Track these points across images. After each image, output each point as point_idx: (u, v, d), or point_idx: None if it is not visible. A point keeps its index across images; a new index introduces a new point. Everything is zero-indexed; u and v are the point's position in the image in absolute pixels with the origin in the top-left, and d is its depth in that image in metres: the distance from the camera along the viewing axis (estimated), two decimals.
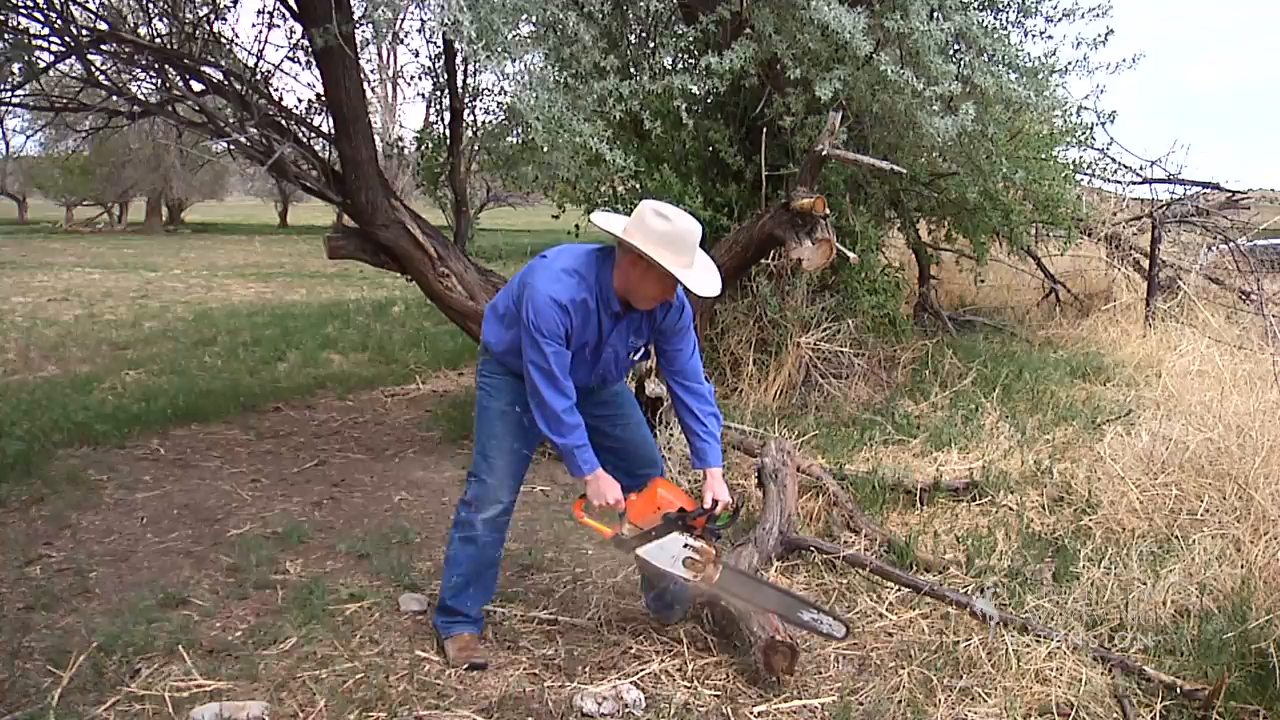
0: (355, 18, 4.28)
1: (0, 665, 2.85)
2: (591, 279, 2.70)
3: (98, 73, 4.74)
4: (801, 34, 4.88)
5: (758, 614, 2.90)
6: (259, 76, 4.93)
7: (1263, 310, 7.87)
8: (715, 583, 2.83)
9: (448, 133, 5.52)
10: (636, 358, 2.94)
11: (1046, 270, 9.82)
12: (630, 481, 3.00)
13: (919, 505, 4.27)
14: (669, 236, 2.58)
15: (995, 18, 5.87)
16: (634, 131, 6.27)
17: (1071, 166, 7.71)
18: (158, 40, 4.82)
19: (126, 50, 4.70)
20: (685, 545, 2.79)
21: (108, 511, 4.28)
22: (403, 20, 5.43)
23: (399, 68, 20.85)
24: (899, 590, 3.40)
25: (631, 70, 5.85)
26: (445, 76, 5.37)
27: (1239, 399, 4.99)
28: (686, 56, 6.32)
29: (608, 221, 2.71)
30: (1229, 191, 9.46)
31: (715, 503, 2.81)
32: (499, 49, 3.66)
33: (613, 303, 2.73)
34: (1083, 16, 5.82)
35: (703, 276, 2.68)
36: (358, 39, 4.67)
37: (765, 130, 5.78)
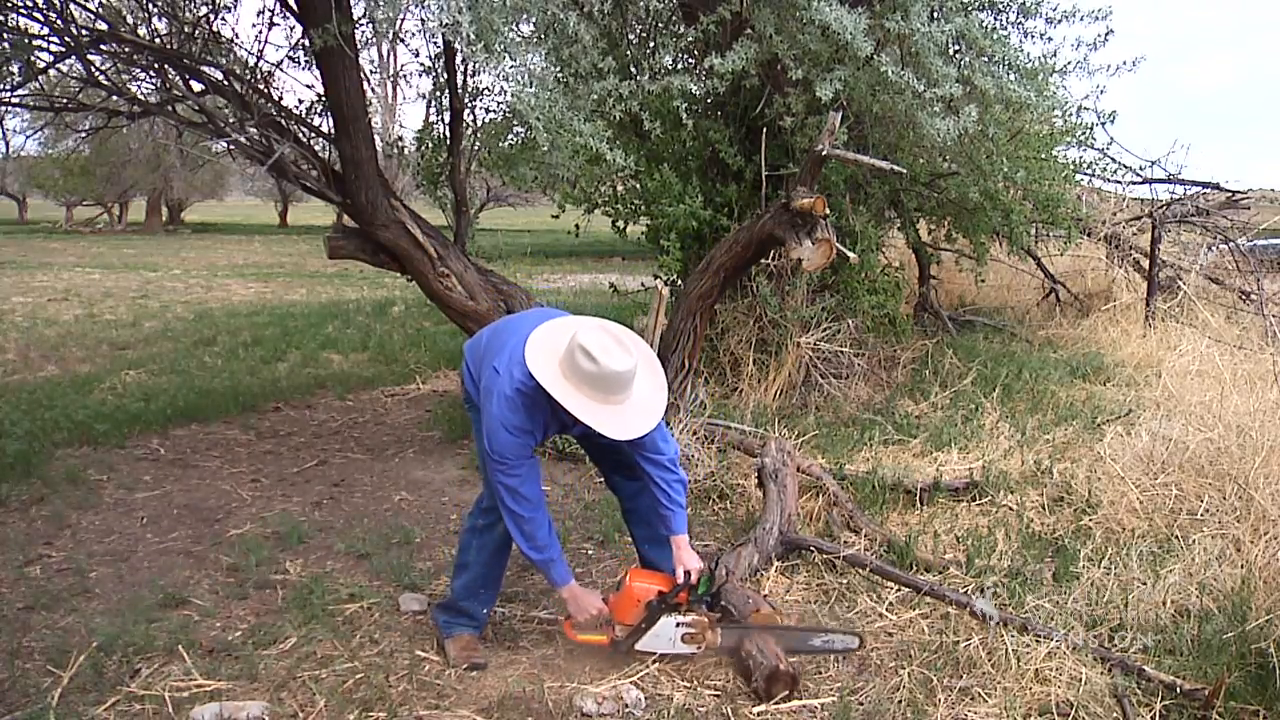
0: (355, 18, 4.28)
1: (0, 665, 2.85)
2: (542, 399, 2.61)
3: (98, 73, 4.74)
4: (802, 34, 4.88)
5: (760, 641, 2.90)
6: (259, 76, 4.93)
7: (1263, 310, 7.88)
8: (720, 647, 2.87)
9: (448, 133, 5.52)
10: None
11: (1046, 270, 9.83)
12: (638, 497, 3.02)
13: (919, 505, 4.27)
14: (594, 378, 2.51)
15: (995, 19, 5.87)
16: (634, 131, 6.27)
17: (1071, 166, 7.71)
18: (157, 40, 4.82)
19: (126, 50, 4.69)
20: (677, 625, 2.84)
21: (108, 511, 4.28)
22: (403, 20, 5.43)
23: (399, 68, 20.81)
24: (899, 590, 3.40)
25: (631, 70, 5.85)
26: (445, 76, 5.37)
27: (1239, 399, 4.99)
28: (686, 56, 6.33)
29: (534, 358, 2.57)
30: (1229, 191, 9.46)
31: (688, 573, 2.82)
32: (499, 49, 3.66)
33: (562, 415, 2.65)
34: (1082, 18, 5.82)
35: (620, 418, 2.55)
36: (358, 39, 4.67)
37: (765, 130, 5.78)
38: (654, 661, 2.90)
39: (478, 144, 6.39)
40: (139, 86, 5.23)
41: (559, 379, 2.54)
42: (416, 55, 8.10)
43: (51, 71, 5.01)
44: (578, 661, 2.96)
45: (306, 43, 4.64)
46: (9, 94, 4.74)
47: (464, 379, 2.98)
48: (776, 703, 2.72)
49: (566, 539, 4.02)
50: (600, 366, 2.50)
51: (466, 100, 5.64)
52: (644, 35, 6.70)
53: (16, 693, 2.71)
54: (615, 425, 2.54)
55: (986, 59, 5.04)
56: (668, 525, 2.87)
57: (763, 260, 5.94)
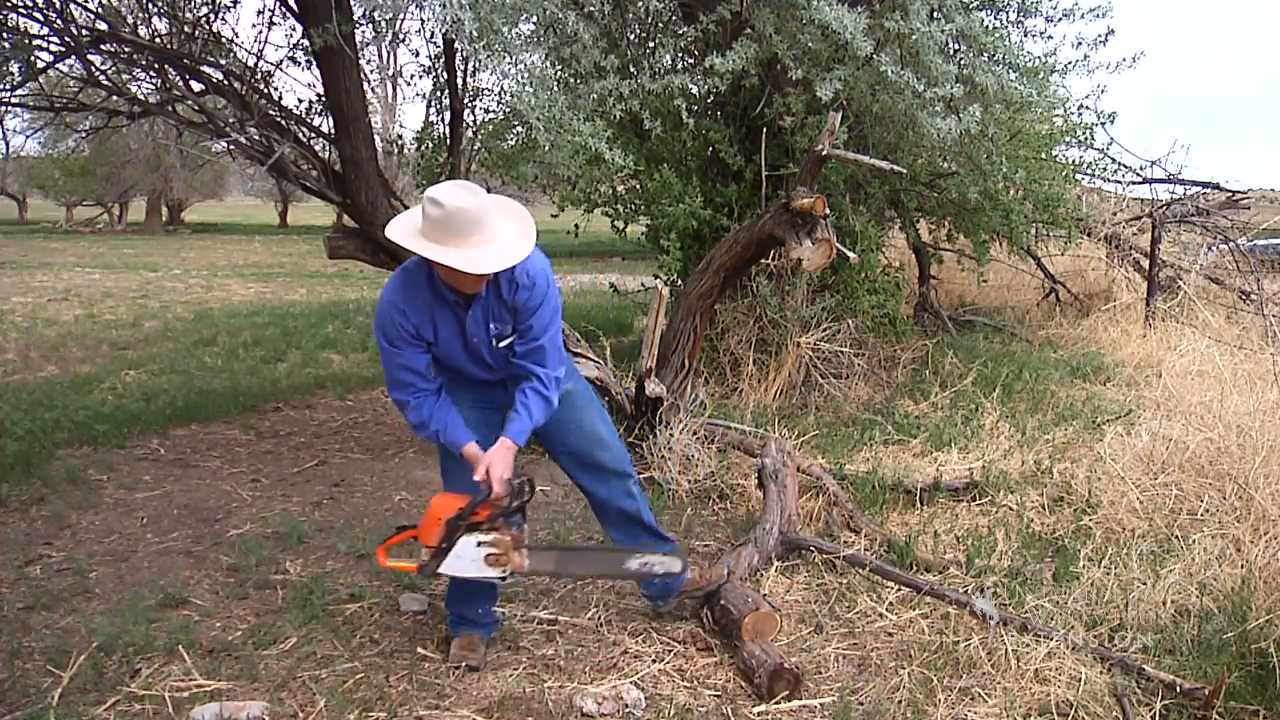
0: (355, 18, 4.28)
1: (0, 665, 2.85)
2: (422, 274, 2.66)
3: (98, 73, 4.74)
4: (802, 34, 4.88)
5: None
6: (259, 76, 4.93)
7: (1263, 310, 7.87)
8: (527, 569, 2.70)
9: (448, 133, 5.52)
10: (505, 344, 2.78)
11: (1046, 270, 9.83)
12: (605, 492, 2.99)
13: (919, 505, 4.27)
14: (439, 221, 2.50)
15: (995, 18, 5.88)
16: (634, 131, 6.27)
17: (1071, 166, 7.72)
18: (158, 40, 4.82)
19: (126, 50, 4.70)
20: (479, 544, 2.66)
21: (108, 511, 4.28)
22: (403, 20, 5.43)
23: (399, 68, 20.84)
24: (899, 590, 3.40)
25: (631, 70, 5.85)
26: (445, 76, 5.37)
27: (1239, 399, 4.98)
28: (686, 56, 6.33)
29: (393, 226, 2.60)
30: (1229, 191, 9.46)
31: (488, 486, 2.63)
32: (499, 49, 3.66)
33: (445, 293, 2.67)
34: (1083, 16, 5.84)
35: (474, 255, 2.51)
36: (358, 39, 4.67)
37: (765, 130, 5.78)
38: (466, 579, 2.71)
39: (478, 144, 6.39)
40: (139, 86, 5.24)
41: (414, 235, 2.54)
42: (416, 55, 8.16)
43: (51, 71, 5.01)
44: (578, 661, 2.96)
45: (306, 43, 4.64)
46: (9, 94, 4.74)
47: None
48: (776, 702, 2.72)
49: (566, 539, 4.02)
50: (444, 208, 2.48)
51: (466, 100, 5.65)
52: (644, 35, 6.70)
53: (16, 693, 2.71)
54: (467, 260, 2.50)
55: (987, 58, 5.04)
56: (505, 426, 2.73)
57: (763, 260, 5.94)
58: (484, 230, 2.54)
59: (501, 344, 2.77)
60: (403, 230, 2.57)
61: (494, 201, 2.64)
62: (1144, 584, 3.32)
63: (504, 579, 2.70)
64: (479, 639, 3.00)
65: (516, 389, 2.78)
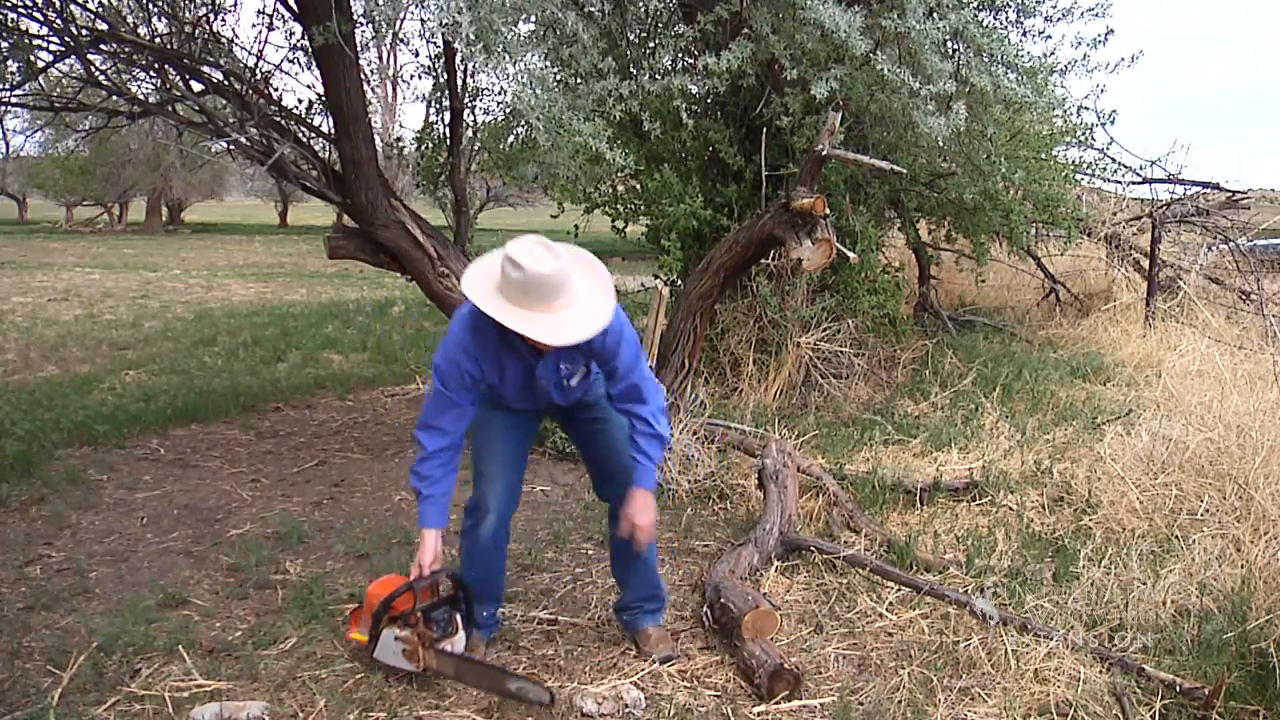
0: (355, 18, 4.28)
1: (0, 665, 2.85)
2: (488, 323, 2.59)
3: (98, 73, 4.74)
4: (799, 34, 4.87)
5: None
6: (259, 76, 4.93)
7: (1263, 310, 7.88)
8: (433, 668, 2.73)
9: (448, 133, 5.52)
10: (576, 381, 2.81)
11: (1046, 270, 9.83)
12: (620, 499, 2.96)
13: (919, 505, 4.27)
14: (520, 285, 2.46)
15: (994, 18, 5.87)
16: (634, 131, 6.27)
17: (1071, 166, 7.72)
18: (157, 40, 4.82)
19: (126, 50, 4.69)
20: (395, 638, 2.72)
21: (108, 511, 4.28)
22: (403, 20, 5.43)
23: (399, 68, 20.85)
24: (899, 590, 3.40)
25: (631, 70, 5.86)
26: (445, 76, 5.37)
27: (1239, 399, 4.98)
28: (686, 56, 6.33)
29: (469, 279, 2.56)
30: (1229, 191, 9.46)
31: (422, 575, 2.74)
32: (499, 49, 3.65)
33: (516, 343, 2.64)
34: (1081, 16, 5.83)
35: (554, 324, 2.48)
36: (358, 39, 4.67)
37: (765, 130, 5.78)
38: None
39: (478, 144, 6.39)
40: (139, 86, 5.23)
41: (492, 294, 2.50)
42: (416, 56, 8.16)
43: (51, 71, 5.01)
44: (578, 661, 2.96)
45: (306, 43, 4.64)
46: (9, 94, 4.74)
47: None
48: (776, 702, 2.72)
49: (567, 539, 4.02)
50: (525, 271, 2.44)
51: (466, 100, 5.64)
52: (644, 35, 6.70)
53: (16, 693, 2.71)
54: (548, 330, 2.48)
55: (985, 57, 5.04)
56: (634, 475, 2.79)
57: (763, 260, 5.94)
58: (565, 294, 2.51)
59: (572, 382, 2.79)
60: (480, 286, 2.52)
61: (571, 257, 2.58)
62: (1144, 584, 3.32)
63: (417, 672, 2.75)
64: (479, 639, 3.00)
65: (631, 435, 2.79)
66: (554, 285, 2.48)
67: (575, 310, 2.53)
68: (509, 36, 3.70)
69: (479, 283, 2.54)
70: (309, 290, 13.73)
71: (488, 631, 3.05)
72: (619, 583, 3.15)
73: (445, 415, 2.73)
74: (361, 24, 4.58)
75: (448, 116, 5.48)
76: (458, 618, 2.84)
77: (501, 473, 2.93)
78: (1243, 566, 3.33)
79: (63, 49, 4.54)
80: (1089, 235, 9.14)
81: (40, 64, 4.56)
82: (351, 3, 4.18)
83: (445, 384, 2.68)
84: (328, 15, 3.84)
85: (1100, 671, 2.81)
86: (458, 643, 2.81)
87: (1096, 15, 5.81)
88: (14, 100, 4.97)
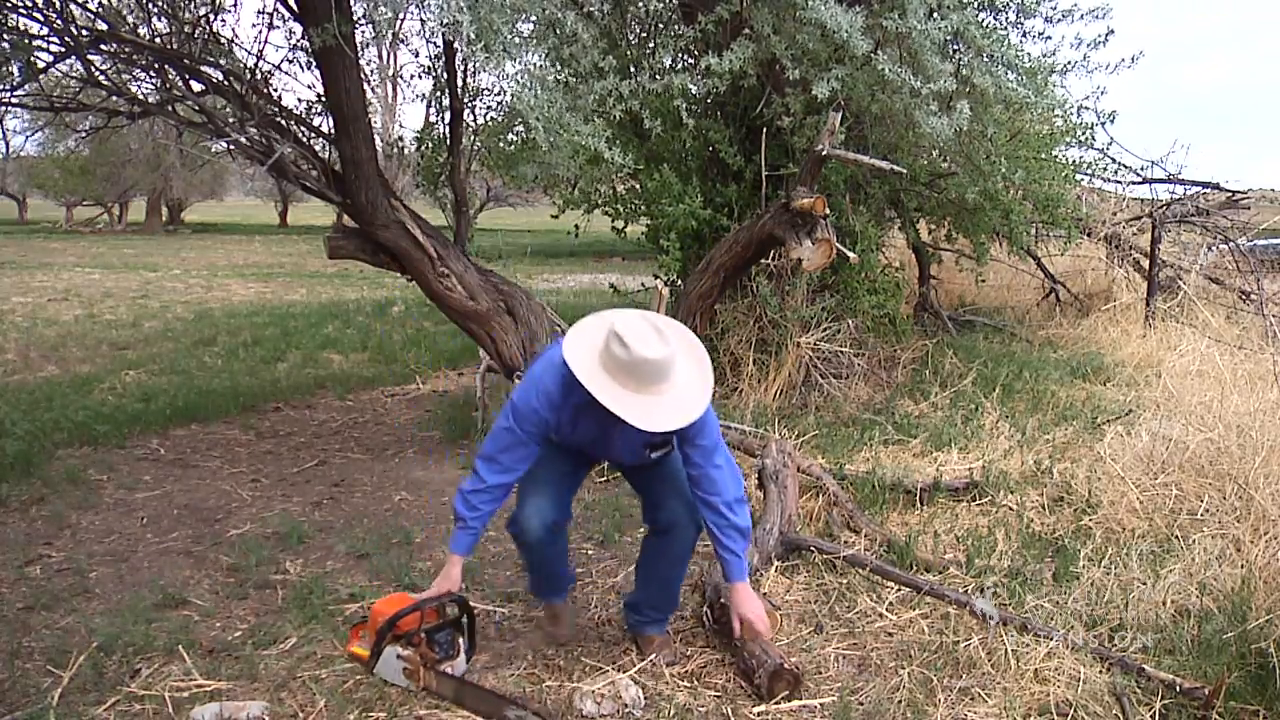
0: (355, 18, 4.28)
1: (0, 665, 2.85)
2: (579, 384, 2.52)
3: (98, 73, 4.74)
4: (800, 34, 4.88)
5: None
6: (259, 76, 4.93)
7: (1263, 310, 7.88)
8: (433, 689, 2.73)
9: (448, 133, 5.52)
10: (657, 455, 2.78)
11: (1046, 270, 9.83)
12: (672, 516, 2.90)
13: (919, 505, 4.27)
14: (625, 365, 2.42)
15: (995, 18, 5.88)
16: (634, 131, 6.27)
17: (1071, 166, 7.71)
18: (157, 40, 4.82)
19: (126, 50, 4.69)
20: (398, 656, 2.74)
21: (108, 511, 4.28)
22: (403, 20, 5.43)
23: (399, 68, 20.87)
24: (899, 590, 3.40)
25: (631, 70, 5.85)
26: (445, 76, 5.37)
27: (1239, 399, 4.98)
28: (686, 56, 6.33)
29: (570, 344, 2.51)
30: (1229, 191, 9.46)
31: (428, 600, 2.74)
32: (499, 49, 3.65)
33: (604, 411, 2.52)
34: (1082, 17, 5.83)
35: (648, 409, 2.43)
36: (358, 39, 4.67)
37: (765, 130, 5.78)
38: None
39: (478, 144, 6.39)
40: (139, 86, 5.23)
41: (593, 365, 2.47)
42: (416, 56, 8.16)
43: (52, 71, 5.01)
44: (578, 661, 2.96)
45: (306, 43, 4.64)
46: (9, 94, 4.74)
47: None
48: (776, 702, 2.72)
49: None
50: (631, 353, 2.41)
51: (466, 100, 5.64)
52: (644, 35, 6.70)
53: (16, 693, 2.71)
54: (640, 415, 2.44)
55: (985, 58, 5.04)
56: (724, 571, 2.78)
57: (763, 260, 5.94)
58: (668, 379, 2.48)
59: (653, 455, 2.77)
60: (581, 355, 2.48)
61: (677, 339, 2.54)
62: (1144, 584, 3.32)
63: (415, 690, 2.76)
64: (559, 606, 3.05)
65: (709, 528, 2.73)
66: (657, 370, 2.45)
67: (672, 397, 2.49)
68: (509, 36, 3.70)
69: (581, 350, 2.50)
70: (309, 290, 13.73)
71: (560, 596, 3.09)
72: (637, 582, 3.12)
73: (512, 453, 2.67)
74: (361, 24, 4.58)
75: (448, 116, 5.48)
76: (460, 641, 2.85)
77: (549, 483, 2.85)
78: (1243, 566, 3.33)
79: (63, 49, 4.54)
80: (1089, 235, 9.14)
81: (40, 64, 4.56)
82: (351, 3, 4.18)
83: (519, 424, 2.64)
84: (328, 16, 3.84)
85: (1100, 671, 2.81)
86: (459, 665, 2.82)
87: (1097, 17, 5.81)
88: (14, 100, 4.97)
